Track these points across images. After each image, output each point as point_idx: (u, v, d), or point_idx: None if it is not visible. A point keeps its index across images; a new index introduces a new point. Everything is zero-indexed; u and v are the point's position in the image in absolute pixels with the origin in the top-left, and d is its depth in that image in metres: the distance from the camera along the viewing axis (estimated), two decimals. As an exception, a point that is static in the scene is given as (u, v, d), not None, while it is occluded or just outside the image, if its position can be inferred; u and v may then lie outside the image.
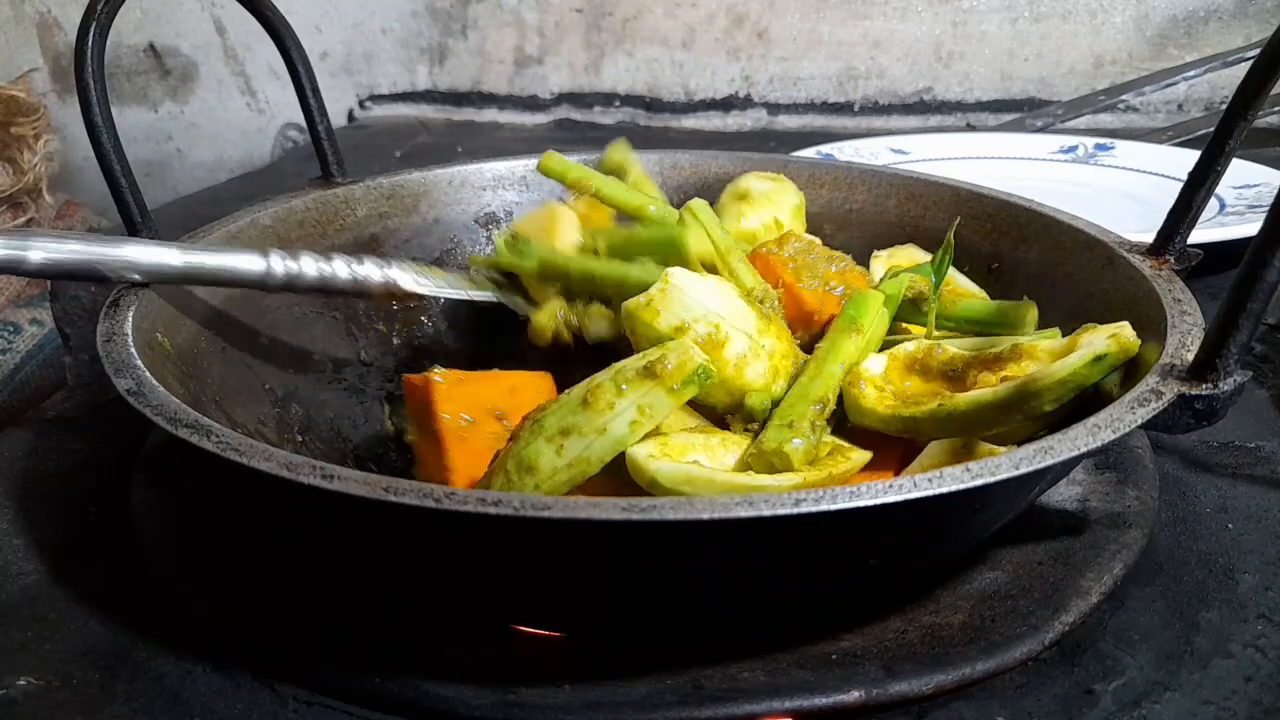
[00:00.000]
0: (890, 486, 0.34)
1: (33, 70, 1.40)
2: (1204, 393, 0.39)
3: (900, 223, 0.69)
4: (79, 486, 0.58)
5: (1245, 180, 0.96)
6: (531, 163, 0.75)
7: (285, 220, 0.64)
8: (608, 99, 1.59)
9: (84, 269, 0.47)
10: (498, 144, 1.46)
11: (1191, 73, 1.31)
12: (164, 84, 1.63)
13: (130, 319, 0.48)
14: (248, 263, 0.52)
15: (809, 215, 0.72)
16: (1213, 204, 0.87)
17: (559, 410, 0.44)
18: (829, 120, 1.53)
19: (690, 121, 1.57)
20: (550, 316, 0.59)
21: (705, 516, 0.32)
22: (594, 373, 0.45)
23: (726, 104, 1.56)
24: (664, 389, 0.43)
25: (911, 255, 0.65)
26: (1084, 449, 0.36)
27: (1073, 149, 1.15)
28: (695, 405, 0.49)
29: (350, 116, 1.64)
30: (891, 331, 0.55)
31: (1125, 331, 0.45)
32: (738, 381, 0.48)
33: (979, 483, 0.34)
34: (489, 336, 0.67)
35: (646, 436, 0.44)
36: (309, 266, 0.54)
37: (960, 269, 0.64)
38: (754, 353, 0.48)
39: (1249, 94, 0.47)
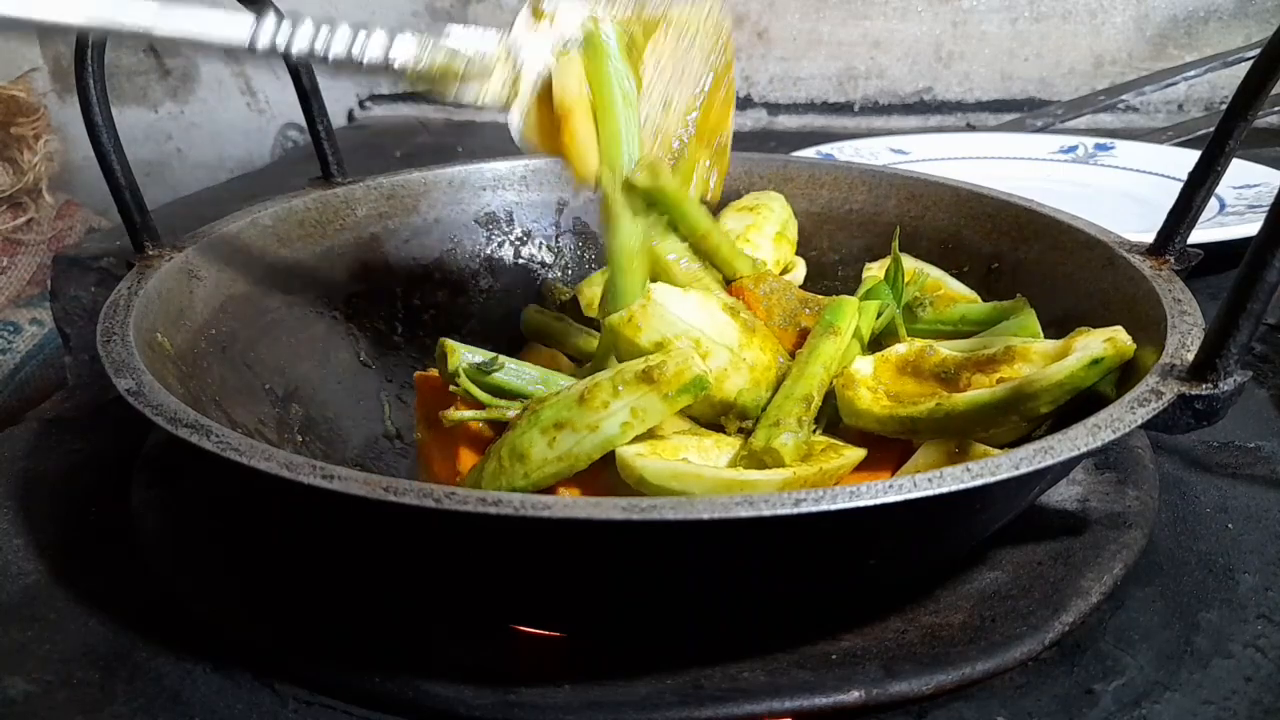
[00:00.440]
0: (890, 486, 0.34)
1: (33, 70, 1.40)
2: (1204, 393, 0.39)
3: (900, 223, 0.69)
4: (79, 486, 0.58)
5: (1245, 180, 0.96)
6: (532, 163, 0.75)
7: (285, 220, 0.64)
8: (608, 99, 1.59)
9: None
10: (498, 144, 1.46)
11: (1191, 73, 1.31)
12: (164, 84, 1.63)
13: (130, 319, 0.48)
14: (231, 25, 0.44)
15: (810, 215, 0.72)
16: (1213, 204, 0.87)
17: (556, 404, 0.45)
18: (829, 120, 1.53)
19: (690, 121, 1.57)
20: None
21: (705, 516, 0.32)
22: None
23: (726, 104, 1.56)
24: (659, 395, 0.43)
25: (905, 264, 0.65)
26: (1084, 449, 0.36)
27: (1073, 149, 1.15)
28: (684, 413, 0.49)
29: (350, 116, 1.64)
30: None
31: (1120, 335, 0.45)
32: (718, 395, 0.48)
33: (979, 483, 0.34)
34: (493, 336, 0.67)
35: (641, 438, 0.44)
36: (304, 34, 0.45)
37: (960, 269, 0.64)
38: (734, 366, 0.49)
39: (1249, 94, 0.47)
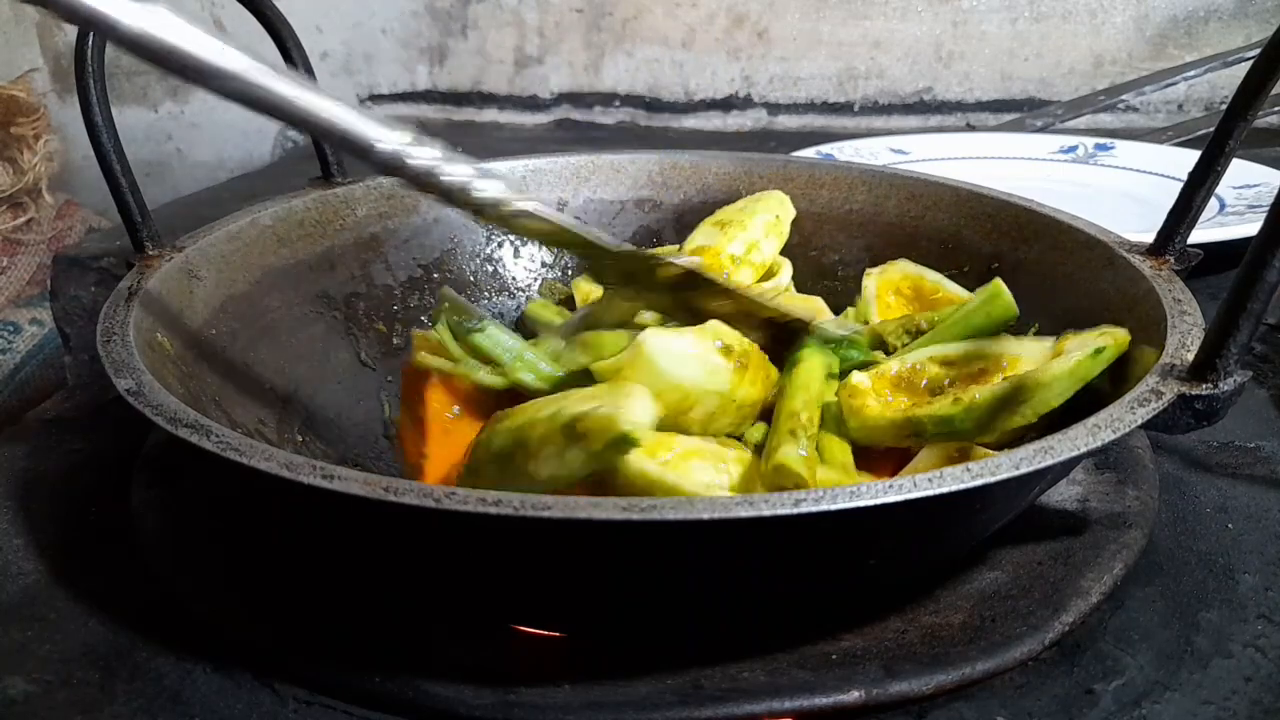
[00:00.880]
0: (890, 486, 0.34)
1: (33, 70, 1.40)
2: (1204, 393, 0.39)
3: (900, 223, 0.69)
4: (79, 486, 0.58)
5: (1245, 180, 0.96)
6: (532, 163, 0.75)
7: (285, 220, 0.64)
8: (608, 99, 1.59)
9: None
10: (498, 144, 1.46)
11: (1191, 73, 1.31)
12: (164, 84, 1.63)
13: (130, 319, 0.48)
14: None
15: (810, 215, 0.72)
16: (1213, 204, 0.87)
17: (503, 435, 0.44)
18: (829, 120, 1.53)
19: (690, 121, 1.57)
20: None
21: (705, 516, 0.32)
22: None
23: (726, 104, 1.56)
24: (584, 451, 0.41)
25: (903, 270, 0.65)
26: (1084, 449, 0.36)
27: (1073, 149, 1.15)
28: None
29: (350, 116, 1.64)
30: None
31: (1111, 330, 0.46)
32: (709, 431, 0.49)
33: (979, 483, 0.34)
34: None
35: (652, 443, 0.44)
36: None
37: (960, 269, 0.64)
38: (723, 409, 0.49)
39: (1249, 94, 0.47)
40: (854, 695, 0.40)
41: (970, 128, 1.46)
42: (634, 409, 0.40)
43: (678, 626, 0.44)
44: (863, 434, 0.49)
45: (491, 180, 0.43)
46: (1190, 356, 0.42)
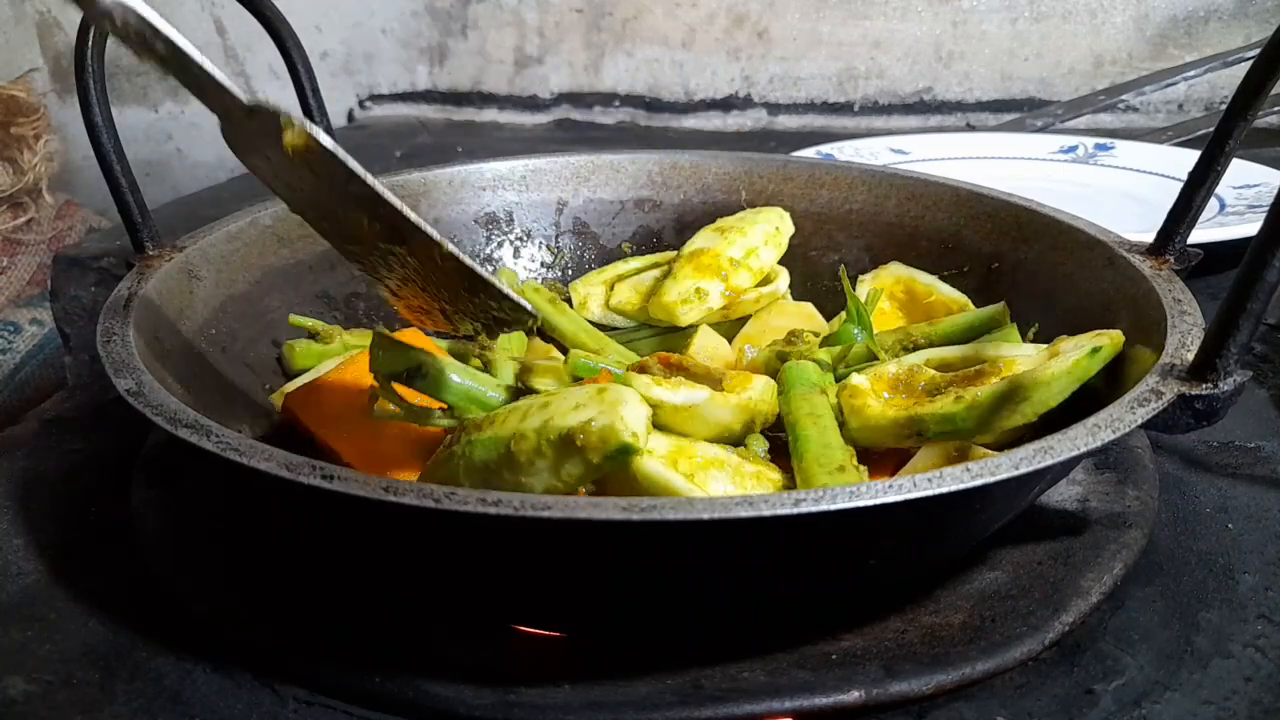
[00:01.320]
0: (890, 486, 0.34)
1: (33, 70, 1.41)
2: (1204, 393, 0.39)
3: (900, 223, 0.69)
4: (79, 486, 0.58)
5: (1245, 180, 0.96)
6: (532, 163, 0.75)
7: (285, 220, 0.64)
8: (608, 99, 1.59)
9: None
10: (498, 144, 1.46)
11: (1191, 73, 1.31)
12: (164, 84, 1.63)
13: (130, 319, 0.48)
14: None
15: (810, 215, 0.72)
16: (1213, 204, 0.87)
17: (485, 447, 0.42)
18: (829, 120, 1.53)
19: (690, 121, 1.57)
20: None
21: (705, 516, 0.32)
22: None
23: (726, 104, 1.56)
24: (583, 461, 0.40)
25: (896, 273, 0.65)
26: (1084, 449, 0.36)
27: (1073, 149, 1.15)
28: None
29: (350, 116, 1.64)
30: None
31: (1105, 332, 0.46)
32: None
33: (979, 483, 0.34)
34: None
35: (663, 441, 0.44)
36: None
37: (960, 269, 0.64)
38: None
39: (1249, 94, 0.47)
40: (854, 695, 0.40)
41: (970, 128, 1.46)
42: (630, 417, 0.40)
43: (678, 626, 0.44)
44: (864, 434, 0.49)
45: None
46: (1190, 356, 0.42)
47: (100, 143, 0.55)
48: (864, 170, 0.72)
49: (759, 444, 0.50)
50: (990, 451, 0.46)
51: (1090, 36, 1.43)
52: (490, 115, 1.61)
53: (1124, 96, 1.35)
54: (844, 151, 1.13)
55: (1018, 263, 0.62)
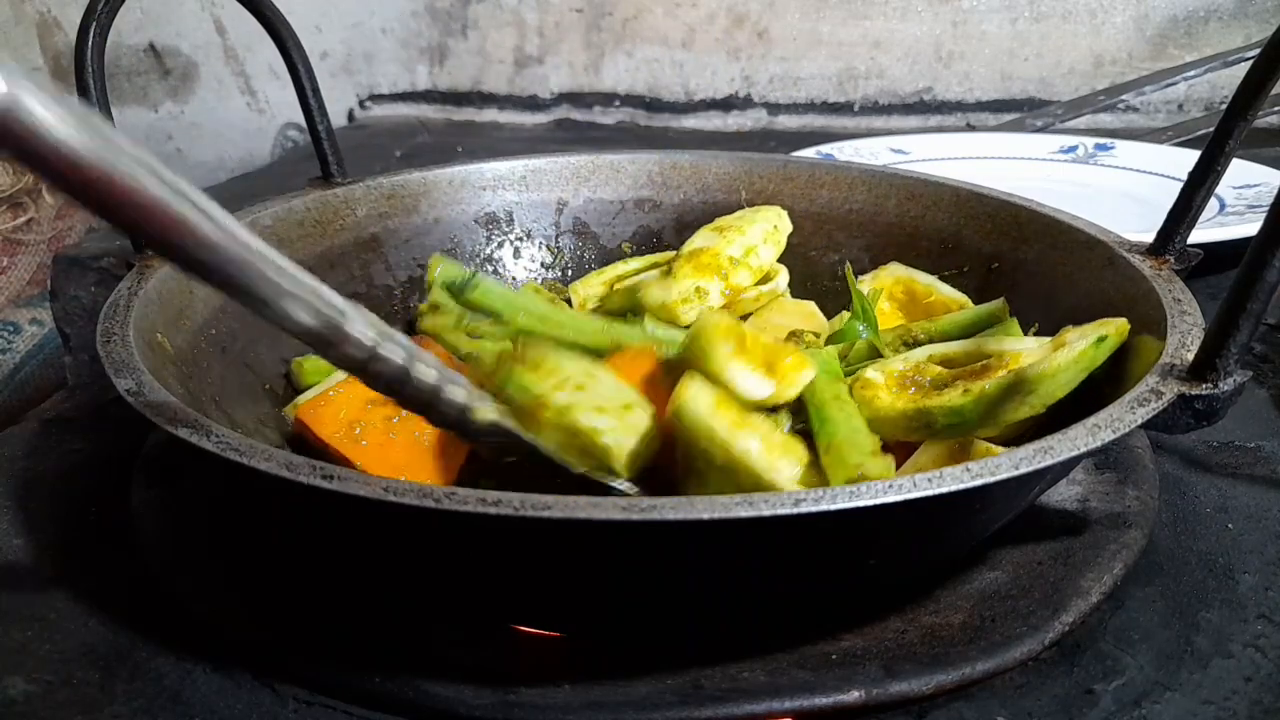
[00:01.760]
0: (890, 486, 0.34)
1: (33, 70, 1.40)
2: (1204, 393, 0.39)
3: (900, 223, 0.69)
4: (79, 486, 0.58)
5: (1245, 180, 0.96)
6: (532, 163, 0.75)
7: (285, 220, 0.64)
8: (608, 99, 1.59)
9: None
10: (498, 144, 1.46)
11: (1191, 73, 1.31)
12: (164, 84, 1.63)
13: (130, 319, 0.48)
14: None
15: (810, 215, 0.72)
16: (1213, 204, 0.87)
17: (518, 390, 0.44)
18: (829, 120, 1.53)
19: (690, 121, 1.57)
20: None
21: (705, 516, 0.32)
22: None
23: (726, 104, 1.56)
24: (579, 458, 0.43)
25: (895, 273, 0.65)
26: (1084, 449, 0.36)
27: (1073, 149, 1.15)
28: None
29: (350, 116, 1.64)
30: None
31: (1110, 321, 0.46)
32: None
33: (979, 483, 0.34)
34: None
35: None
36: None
37: (960, 269, 0.64)
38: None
39: (1249, 94, 0.47)
40: (854, 695, 0.40)
41: (970, 128, 1.46)
42: (625, 446, 0.43)
43: (678, 626, 0.44)
44: (873, 426, 0.49)
45: (459, 388, 0.39)
46: (1190, 356, 0.42)
47: (100, 143, 0.54)
48: (864, 170, 0.72)
49: (786, 418, 0.50)
50: (993, 449, 0.46)
51: (1090, 36, 1.43)
52: (490, 115, 1.61)
53: (1124, 96, 1.35)
54: (844, 151, 1.13)
55: (1018, 263, 0.62)
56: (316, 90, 0.68)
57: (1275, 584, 0.47)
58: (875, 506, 0.33)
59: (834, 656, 0.42)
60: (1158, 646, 0.43)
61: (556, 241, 0.76)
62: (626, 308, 0.68)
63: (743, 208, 0.72)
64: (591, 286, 0.71)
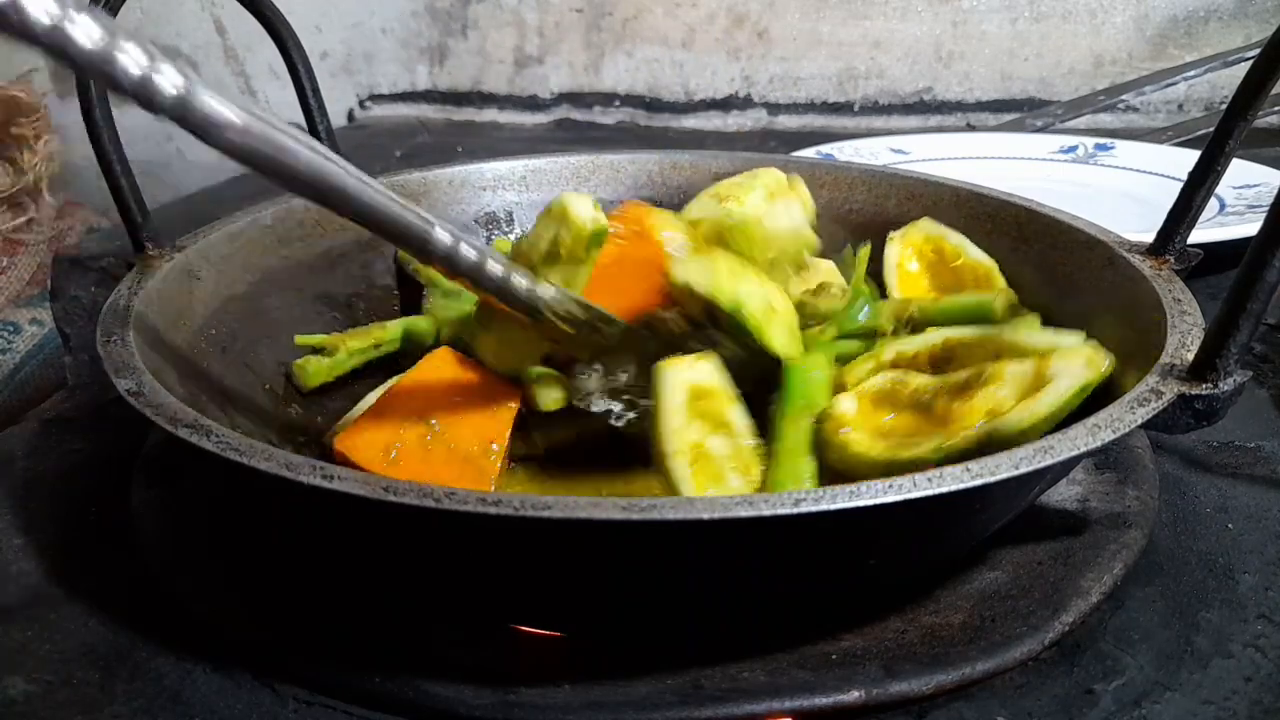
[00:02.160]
0: (890, 486, 0.34)
1: (33, 70, 1.40)
2: (1204, 393, 0.39)
3: (900, 223, 0.69)
4: (79, 486, 0.58)
5: (1245, 180, 0.96)
6: (532, 163, 0.75)
7: (285, 220, 0.64)
8: (608, 99, 1.59)
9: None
10: (498, 144, 1.46)
11: (1191, 73, 1.31)
12: (164, 84, 1.63)
13: (130, 319, 0.48)
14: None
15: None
16: (1213, 204, 0.87)
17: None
18: (829, 120, 1.53)
19: (690, 121, 1.57)
20: None
21: (705, 516, 0.32)
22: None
23: (726, 104, 1.56)
24: (573, 260, 0.51)
25: (925, 230, 0.65)
26: (1084, 449, 0.36)
27: (1073, 149, 1.15)
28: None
29: (350, 116, 1.64)
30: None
31: (1095, 355, 0.44)
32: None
33: (979, 483, 0.34)
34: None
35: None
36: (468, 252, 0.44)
37: (960, 269, 0.64)
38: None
39: (1249, 94, 0.47)
40: (854, 695, 0.40)
41: (970, 128, 1.46)
42: (579, 210, 0.50)
43: (678, 626, 0.44)
44: (841, 466, 0.48)
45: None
46: (1190, 356, 0.42)
47: (100, 143, 0.55)
48: (864, 170, 0.72)
49: (745, 432, 0.49)
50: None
51: (1090, 36, 1.43)
52: (490, 115, 1.61)
53: (1124, 96, 1.35)
54: (844, 151, 1.13)
55: (1018, 263, 0.62)
56: (316, 90, 0.68)
57: (1275, 584, 0.47)
58: (875, 506, 0.33)
59: (834, 656, 0.42)
60: (1158, 646, 0.43)
61: (556, 241, 0.76)
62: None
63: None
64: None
